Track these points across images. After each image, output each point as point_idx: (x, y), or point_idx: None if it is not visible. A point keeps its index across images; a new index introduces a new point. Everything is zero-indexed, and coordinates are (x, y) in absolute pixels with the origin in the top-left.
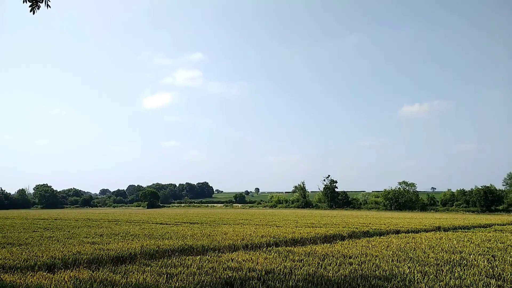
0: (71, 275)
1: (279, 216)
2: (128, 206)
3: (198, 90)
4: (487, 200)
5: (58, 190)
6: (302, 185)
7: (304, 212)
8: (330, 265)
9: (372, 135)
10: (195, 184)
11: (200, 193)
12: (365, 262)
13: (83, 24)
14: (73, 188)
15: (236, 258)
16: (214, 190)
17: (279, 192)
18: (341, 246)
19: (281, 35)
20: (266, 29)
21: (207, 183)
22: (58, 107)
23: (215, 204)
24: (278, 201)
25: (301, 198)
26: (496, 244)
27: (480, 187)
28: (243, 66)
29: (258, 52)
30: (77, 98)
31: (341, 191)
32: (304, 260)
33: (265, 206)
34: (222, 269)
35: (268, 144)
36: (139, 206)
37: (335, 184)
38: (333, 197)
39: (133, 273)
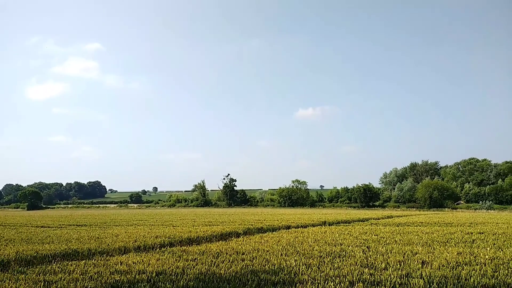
0: None
1: (177, 216)
2: (4, 207)
3: (94, 82)
4: (366, 196)
5: None
6: (202, 184)
7: (203, 210)
8: (223, 263)
9: (271, 135)
10: (86, 183)
11: (91, 193)
12: (256, 258)
13: None
14: None
15: (126, 261)
16: (108, 190)
17: (179, 191)
18: (236, 243)
19: (184, 33)
20: (170, 25)
21: (100, 182)
22: None
23: (107, 205)
24: (177, 200)
25: (200, 197)
26: (371, 236)
27: (361, 185)
28: (144, 61)
29: (160, 48)
30: None
31: (240, 190)
32: (198, 259)
33: (163, 206)
34: (109, 273)
35: (168, 142)
36: (17, 208)
37: (234, 182)
38: (232, 196)
39: (4, 282)
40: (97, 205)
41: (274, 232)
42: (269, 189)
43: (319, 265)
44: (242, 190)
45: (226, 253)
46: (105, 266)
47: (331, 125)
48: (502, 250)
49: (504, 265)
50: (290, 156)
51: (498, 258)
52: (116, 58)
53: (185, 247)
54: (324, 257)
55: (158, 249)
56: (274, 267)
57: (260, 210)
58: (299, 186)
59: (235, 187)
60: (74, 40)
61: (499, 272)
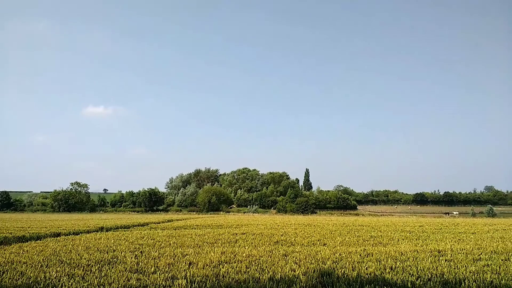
0: None
1: None
2: None
3: None
4: (151, 201)
5: None
6: None
7: None
8: None
9: (51, 131)
10: None
11: None
12: (8, 271)
13: None
14: None
15: None
16: None
17: None
18: None
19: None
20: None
21: None
22: None
23: None
24: None
25: None
26: (147, 241)
27: (146, 190)
28: None
29: None
30: None
31: (1, 191)
32: None
33: None
34: None
35: None
36: None
37: None
38: None
39: None
40: None
41: (38, 241)
42: (41, 192)
43: (84, 274)
44: (5, 192)
45: None
46: None
47: (122, 126)
48: (256, 248)
49: (256, 261)
50: (72, 155)
51: (252, 255)
52: None
53: None
54: (92, 265)
55: None
56: (29, 281)
57: (27, 216)
58: (79, 189)
59: None
60: None
61: (251, 268)
